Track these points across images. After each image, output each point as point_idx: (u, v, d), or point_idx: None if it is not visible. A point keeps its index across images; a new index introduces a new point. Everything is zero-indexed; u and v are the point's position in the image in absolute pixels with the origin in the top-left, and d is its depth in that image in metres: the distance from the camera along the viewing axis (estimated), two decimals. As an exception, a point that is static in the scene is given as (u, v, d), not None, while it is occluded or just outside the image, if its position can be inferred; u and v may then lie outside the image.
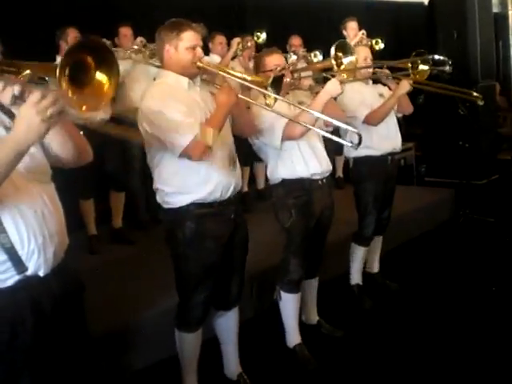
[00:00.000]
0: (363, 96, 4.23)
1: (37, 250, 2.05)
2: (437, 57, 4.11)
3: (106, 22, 5.54)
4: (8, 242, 2.01)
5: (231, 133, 3.04)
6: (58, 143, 2.15)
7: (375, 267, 4.76)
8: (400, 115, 4.59)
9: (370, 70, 4.33)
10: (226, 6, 7.05)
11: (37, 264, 2.07)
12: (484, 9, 7.62)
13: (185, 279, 3.02)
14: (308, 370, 3.56)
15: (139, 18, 5.90)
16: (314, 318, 4.07)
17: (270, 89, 2.81)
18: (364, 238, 4.46)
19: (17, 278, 2.05)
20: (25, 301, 2.07)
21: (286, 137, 3.39)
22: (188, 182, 2.88)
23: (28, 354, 2.10)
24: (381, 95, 4.34)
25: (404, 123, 7.58)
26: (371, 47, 6.75)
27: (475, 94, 4.84)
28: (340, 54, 3.63)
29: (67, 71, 1.78)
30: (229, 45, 5.97)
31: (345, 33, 6.74)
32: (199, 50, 2.87)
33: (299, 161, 3.54)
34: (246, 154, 5.01)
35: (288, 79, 3.52)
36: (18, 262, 2.04)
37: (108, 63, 1.90)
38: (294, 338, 3.75)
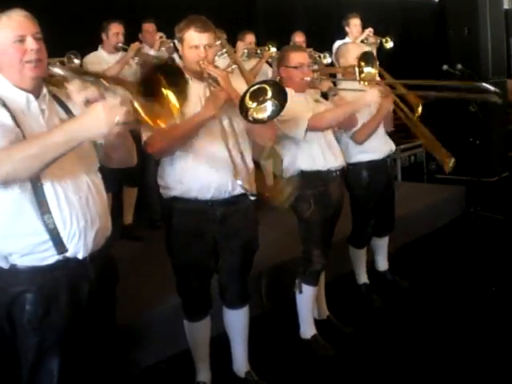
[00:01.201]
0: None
1: (78, 232, 2.15)
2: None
3: (130, 18, 5.64)
4: (51, 222, 2.11)
5: (235, 136, 2.93)
6: (112, 145, 2.28)
7: (383, 265, 4.73)
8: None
9: None
10: (229, 2, 7.04)
11: (77, 246, 2.17)
12: (495, 5, 7.59)
13: (175, 269, 3.09)
14: (329, 356, 3.63)
15: (159, 14, 5.97)
16: (323, 313, 4.07)
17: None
18: (361, 240, 4.45)
19: (56, 257, 2.14)
20: (62, 279, 2.17)
21: (311, 127, 3.47)
22: (168, 178, 2.99)
23: (58, 334, 2.18)
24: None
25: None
26: (381, 45, 6.77)
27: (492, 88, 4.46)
28: (362, 63, 3.66)
29: (142, 88, 2.02)
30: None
31: (347, 29, 6.73)
32: (201, 50, 2.86)
33: (318, 154, 3.60)
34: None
35: (309, 78, 3.58)
36: (58, 243, 2.13)
37: (179, 84, 2.17)
38: (309, 329, 3.81)
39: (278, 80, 3.62)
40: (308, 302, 3.77)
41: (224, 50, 4.72)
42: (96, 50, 5.27)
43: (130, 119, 1.92)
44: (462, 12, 7.41)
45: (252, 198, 2.90)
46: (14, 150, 1.96)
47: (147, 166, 5.21)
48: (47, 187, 2.11)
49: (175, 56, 5.21)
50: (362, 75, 3.68)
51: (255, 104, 2.71)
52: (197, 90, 2.92)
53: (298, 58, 3.57)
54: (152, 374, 3.50)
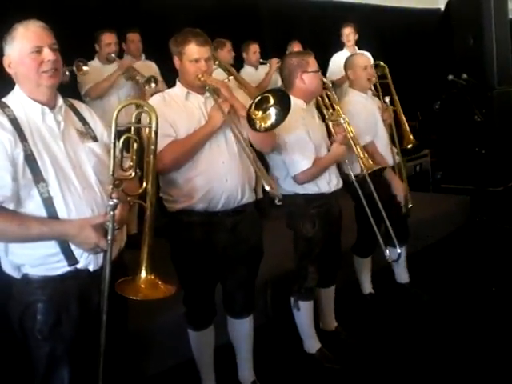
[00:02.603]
0: (366, 110, 4.21)
1: None
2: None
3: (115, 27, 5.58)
4: None
5: (240, 145, 2.94)
6: None
7: (404, 278, 4.69)
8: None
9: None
10: (234, 12, 7.07)
11: (87, 259, 2.20)
12: (500, 14, 7.57)
13: (182, 281, 3.08)
14: (335, 370, 3.60)
15: (151, 24, 5.95)
16: (331, 324, 4.05)
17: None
18: (366, 250, 4.44)
19: (67, 268, 2.18)
20: (72, 290, 2.20)
21: (295, 179, 3.46)
22: (174, 192, 2.97)
23: (68, 343, 2.20)
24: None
25: (420, 130, 7.60)
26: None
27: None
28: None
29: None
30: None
31: (343, 39, 6.79)
32: (202, 64, 2.87)
33: (323, 180, 3.55)
34: (262, 161, 4.96)
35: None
36: (69, 255, 2.17)
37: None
38: (313, 344, 3.77)
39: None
40: (307, 317, 3.73)
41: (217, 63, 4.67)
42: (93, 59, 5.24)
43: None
44: (467, 21, 7.40)
45: (278, 203, 2.80)
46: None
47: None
48: (58, 200, 2.13)
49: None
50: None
51: (260, 113, 2.75)
52: (197, 103, 2.93)
53: (314, 61, 3.52)
54: (157, 383, 3.50)
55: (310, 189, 3.51)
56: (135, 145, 2.30)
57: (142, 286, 2.25)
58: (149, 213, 2.35)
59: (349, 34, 6.83)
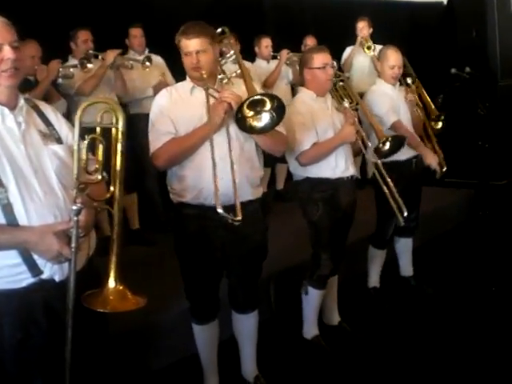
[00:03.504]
0: (392, 100, 4.23)
1: None
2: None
3: (118, 23, 5.57)
4: None
5: (241, 143, 2.96)
6: None
7: (408, 271, 4.72)
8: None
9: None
10: (240, 6, 7.06)
11: (52, 270, 2.07)
12: (503, 8, 7.55)
13: (183, 273, 3.10)
14: (323, 360, 3.66)
15: (154, 19, 5.93)
16: (335, 318, 4.06)
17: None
18: (383, 241, 4.45)
19: (32, 280, 2.04)
20: (38, 302, 2.07)
21: (297, 159, 3.52)
22: (176, 185, 3.00)
23: (41, 355, 2.10)
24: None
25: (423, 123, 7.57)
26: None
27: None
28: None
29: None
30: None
31: (356, 32, 6.82)
32: (193, 57, 2.84)
33: (327, 165, 3.58)
34: (267, 155, 4.94)
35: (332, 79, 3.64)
36: (32, 266, 2.03)
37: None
38: (312, 329, 3.86)
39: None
40: (313, 303, 3.80)
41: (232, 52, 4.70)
42: (66, 60, 5.07)
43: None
44: (470, 14, 7.38)
45: None
46: None
47: (147, 169, 5.18)
48: (17, 207, 2.00)
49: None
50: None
51: (252, 113, 2.76)
52: (202, 98, 2.89)
53: (321, 58, 3.56)
54: (161, 378, 3.51)
55: (314, 172, 3.58)
56: (101, 146, 2.14)
57: (111, 297, 2.08)
58: (117, 219, 2.14)
59: (363, 27, 6.85)
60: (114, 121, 2.18)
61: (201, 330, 3.21)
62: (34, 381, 2.12)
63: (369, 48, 6.76)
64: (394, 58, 4.25)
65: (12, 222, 1.98)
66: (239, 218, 2.68)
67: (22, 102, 2.13)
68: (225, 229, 2.91)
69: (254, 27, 6.73)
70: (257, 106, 2.76)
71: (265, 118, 2.78)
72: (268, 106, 2.76)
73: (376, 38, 6.85)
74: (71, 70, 4.78)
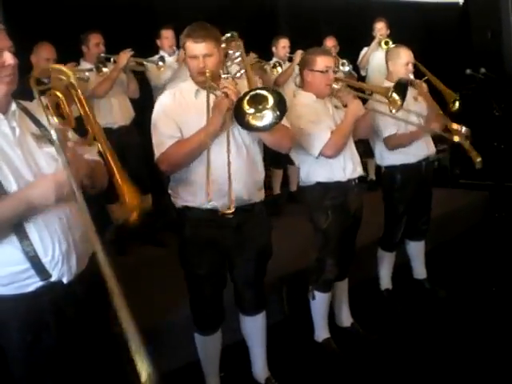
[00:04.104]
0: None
1: (61, 257, 2.06)
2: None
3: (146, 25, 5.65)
4: (31, 250, 2.01)
5: (245, 145, 2.94)
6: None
7: (421, 273, 4.68)
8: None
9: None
10: (256, 7, 7.06)
11: (60, 272, 2.07)
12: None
13: (188, 281, 3.07)
14: (335, 362, 3.65)
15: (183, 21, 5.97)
16: (347, 320, 4.05)
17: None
18: (392, 244, 4.43)
19: (40, 283, 2.05)
20: (47, 306, 2.07)
21: (322, 154, 3.45)
22: (180, 188, 2.97)
23: (51, 358, 2.10)
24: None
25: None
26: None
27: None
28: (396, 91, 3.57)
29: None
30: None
31: (374, 34, 6.79)
32: (200, 60, 2.80)
33: (337, 166, 3.55)
34: (279, 157, 4.92)
35: (335, 86, 3.53)
36: (41, 270, 2.03)
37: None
38: (322, 333, 3.85)
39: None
40: (321, 308, 3.79)
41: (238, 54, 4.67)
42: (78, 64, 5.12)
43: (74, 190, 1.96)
44: (486, 15, 7.34)
45: None
46: None
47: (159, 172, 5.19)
48: None
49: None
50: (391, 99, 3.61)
51: (253, 110, 2.69)
52: (205, 101, 2.84)
53: (324, 61, 3.48)
54: (168, 381, 3.49)
55: (325, 176, 3.54)
56: (65, 106, 2.15)
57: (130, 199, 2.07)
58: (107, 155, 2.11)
59: (381, 28, 6.83)
60: (64, 79, 2.18)
61: (203, 340, 3.20)
62: None
63: (386, 43, 6.71)
64: (406, 54, 4.20)
65: (17, 227, 1.98)
66: (232, 210, 2.73)
67: (13, 105, 2.10)
68: (232, 231, 2.92)
69: (270, 28, 6.73)
70: (258, 102, 2.68)
71: (268, 116, 2.69)
72: (270, 102, 2.68)
73: (391, 39, 6.82)
74: (86, 73, 4.82)
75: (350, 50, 6.48)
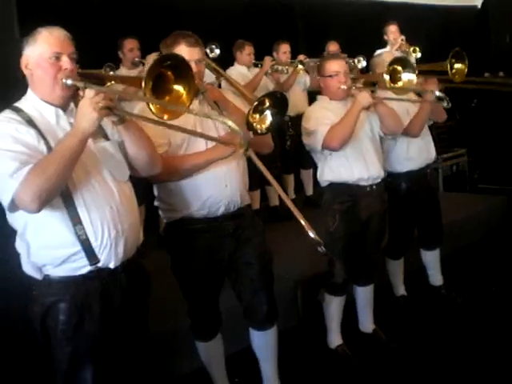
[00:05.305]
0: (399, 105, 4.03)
1: (109, 243, 2.21)
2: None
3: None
4: (83, 233, 2.16)
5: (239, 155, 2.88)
6: (134, 151, 2.34)
7: (437, 280, 4.61)
8: (431, 123, 4.35)
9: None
10: (268, 10, 7.06)
11: (108, 257, 2.22)
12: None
13: (186, 293, 3.05)
14: (350, 368, 3.62)
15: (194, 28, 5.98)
16: (369, 326, 4.00)
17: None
18: (397, 252, 4.40)
19: (89, 268, 2.19)
20: (95, 290, 2.22)
21: (326, 146, 3.47)
22: (174, 199, 2.91)
23: (92, 342, 2.23)
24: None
25: (457, 128, 7.48)
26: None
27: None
28: (399, 68, 3.60)
29: (150, 83, 2.15)
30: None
31: (386, 37, 6.71)
32: (193, 66, 2.68)
33: (345, 165, 3.57)
34: (288, 162, 4.93)
35: (345, 87, 3.55)
36: (90, 254, 2.18)
37: (186, 76, 2.25)
38: (335, 339, 3.82)
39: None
40: (331, 311, 3.78)
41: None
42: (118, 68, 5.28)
43: (114, 104, 2.08)
44: (504, 18, 7.30)
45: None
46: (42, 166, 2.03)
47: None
48: (77, 198, 2.17)
49: None
50: (400, 83, 3.62)
51: (258, 116, 2.73)
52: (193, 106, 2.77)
53: (332, 66, 3.56)
54: (188, 382, 3.51)
55: (336, 177, 3.59)
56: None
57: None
58: None
59: (395, 30, 6.76)
60: None
61: (205, 346, 3.18)
62: (84, 369, 2.23)
63: (414, 51, 6.66)
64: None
65: (72, 213, 2.14)
66: None
67: (72, 105, 2.28)
68: (230, 236, 2.94)
69: (281, 34, 6.72)
70: (258, 107, 2.71)
71: (269, 115, 2.74)
72: (267, 103, 2.72)
73: (409, 42, 6.76)
74: None
75: (363, 53, 6.41)
